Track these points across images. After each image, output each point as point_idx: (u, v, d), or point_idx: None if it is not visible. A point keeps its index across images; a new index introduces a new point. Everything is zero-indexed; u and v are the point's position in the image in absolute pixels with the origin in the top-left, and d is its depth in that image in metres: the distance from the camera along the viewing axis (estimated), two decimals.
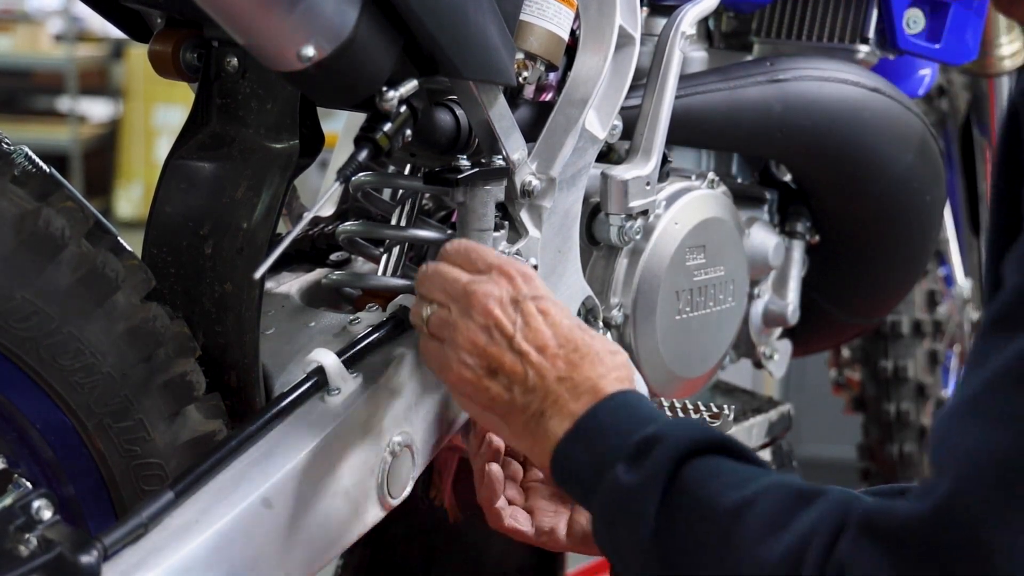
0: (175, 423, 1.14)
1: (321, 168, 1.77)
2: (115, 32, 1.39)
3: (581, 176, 1.32)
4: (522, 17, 1.24)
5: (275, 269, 1.40)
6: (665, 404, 1.37)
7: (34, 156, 1.16)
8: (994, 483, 0.73)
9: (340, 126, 1.64)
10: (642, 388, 1.17)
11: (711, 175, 1.51)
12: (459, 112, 1.23)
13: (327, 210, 1.47)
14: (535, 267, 1.28)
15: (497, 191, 1.24)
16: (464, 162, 1.23)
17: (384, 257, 1.35)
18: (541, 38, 1.26)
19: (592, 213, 1.40)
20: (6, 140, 1.15)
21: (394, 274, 1.34)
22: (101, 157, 6.59)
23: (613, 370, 1.11)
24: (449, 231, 1.29)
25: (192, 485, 1.07)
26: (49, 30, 6.76)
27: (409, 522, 1.67)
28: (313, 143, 1.21)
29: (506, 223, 1.28)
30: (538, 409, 1.10)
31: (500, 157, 1.24)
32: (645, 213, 1.40)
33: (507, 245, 1.27)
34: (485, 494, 1.21)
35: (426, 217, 1.37)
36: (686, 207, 1.46)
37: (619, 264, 1.42)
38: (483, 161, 1.24)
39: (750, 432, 1.66)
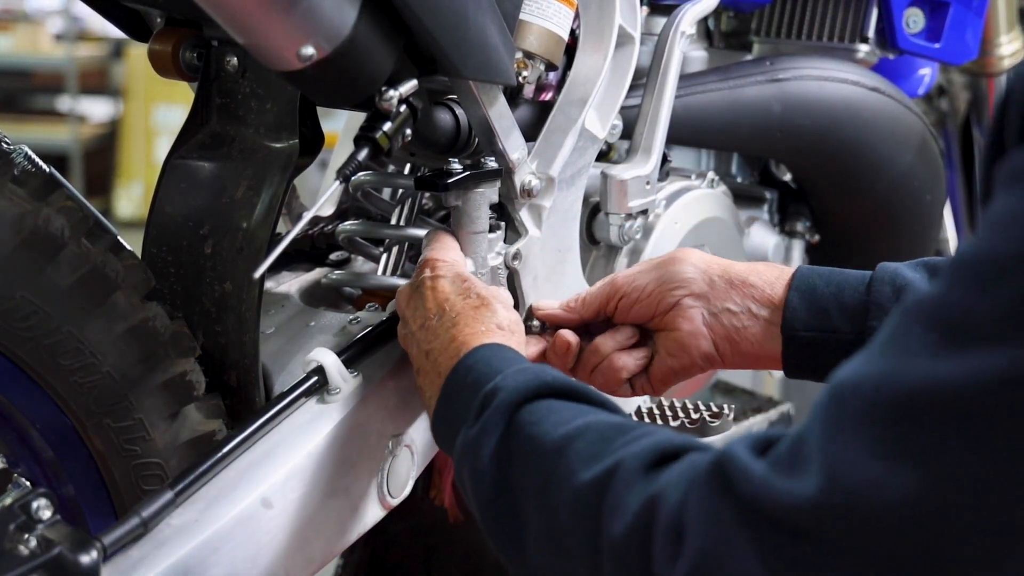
0: (175, 423, 1.14)
1: (321, 168, 1.78)
2: (115, 32, 1.39)
3: (581, 175, 1.32)
4: (522, 16, 1.24)
5: (275, 269, 1.40)
6: (665, 404, 1.37)
7: (34, 156, 1.16)
8: (854, 517, 0.69)
9: (340, 126, 1.64)
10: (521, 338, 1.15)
11: (711, 174, 1.51)
12: (459, 111, 1.23)
13: (327, 210, 1.47)
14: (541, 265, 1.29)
15: (491, 193, 1.24)
16: (456, 165, 1.23)
17: (384, 256, 1.35)
18: (541, 37, 1.26)
19: (592, 212, 1.40)
20: (6, 140, 1.15)
21: (394, 273, 1.34)
22: (101, 157, 6.59)
23: (476, 324, 1.10)
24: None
25: (192, 485, 1.07)
26: (49, 30, 6.76)
27: (409, 522, 1.67)
28: (313, 143, 1.21)
29: (502, 224, 1.28)
30: (427, 392, 1.10)
31: (494, 158, 1.24)
32: (645, 212, 1.40)
33: (504, 246, 1.27)
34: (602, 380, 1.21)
35: (426, 216, 1.37)
36: (686, 207, 1.46)
37: (619, 263, 1.42)
38: (474, 164, 1.24)
39: (750, 432, 1.66)
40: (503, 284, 1.27)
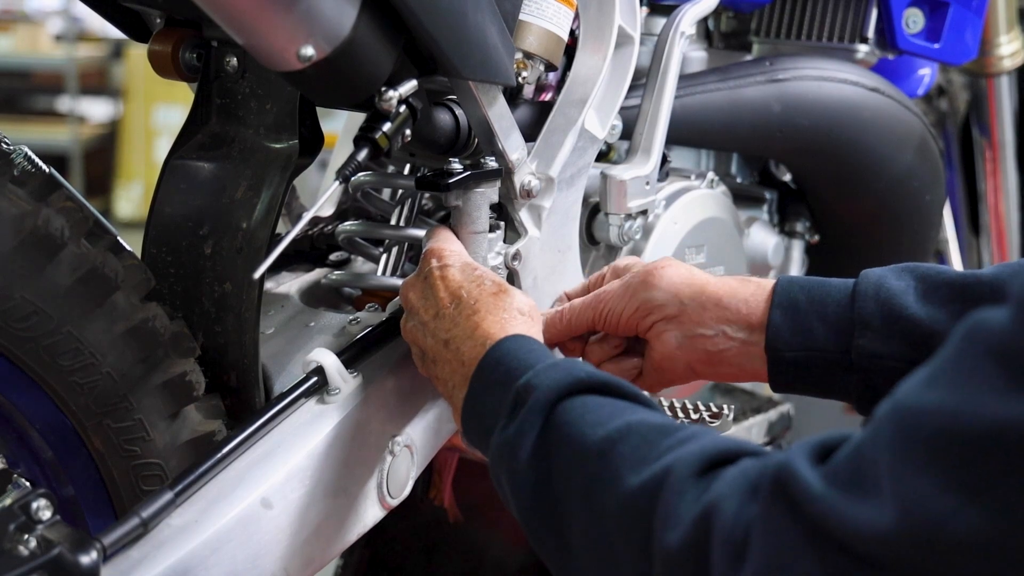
0: (174, 423, 1.14)
1: (321, 168, 1.78)
2: (115, 32, 1.39)
3: (580, 176, 1.32)
4: (521, 17, 1.24)
5: (275, 269, 1.40)
6: (665, 404, 1.37)
7: (34, 156, 1.16)
8: (927, 551, 0.70)
9: (340, 126, 1.64)
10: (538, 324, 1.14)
11: (710, 175, 1.51)
12: (458, 112, 1.23)
13: (327, 210, 1.47)
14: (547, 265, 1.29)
15: (491, 193, 1.24)
16: (456, 165, 1.23)
17: (384, 257, 1.35)
18: (540, 38, 1.26)
19: (592, 213, 1.40)
20: (6, 140, 1.15)
21: (393, 274, 1.34)
22: (101, 157, 6.59)
23: (497, 311, 1.09)
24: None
25: (191, 485, 1.07)
26: (49, 30, 6.76)
27: (409, 522, 1.67)
28: (313, 143, 1.21)
29: (502, 224, 1.28)
30: (449, 381, 1.10)
31: (494, 158, 1.24)
32: (644, 213, 1.40)
33: (503, 246, 1.27)
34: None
35: (425, 217, 1.37)
36: (685, 207, 1.46)
37: None
38: (474, 164, 1.24)
39: (750, 432, 1.66)
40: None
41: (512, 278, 1.28)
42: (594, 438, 0.92)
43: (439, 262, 1.16)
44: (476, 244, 1.24)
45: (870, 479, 0.73)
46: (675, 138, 1.45)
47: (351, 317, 1.29)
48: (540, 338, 1.10)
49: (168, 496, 1.05)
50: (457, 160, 1.23)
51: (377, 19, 1.05)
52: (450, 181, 1.20)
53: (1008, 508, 0.68)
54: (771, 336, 1.11)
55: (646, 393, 1.01)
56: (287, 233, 1.04)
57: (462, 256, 1.18)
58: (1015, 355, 0.69)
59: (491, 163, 1.25)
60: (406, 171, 1.40)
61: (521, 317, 1.10)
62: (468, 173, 1.22)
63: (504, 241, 1.28)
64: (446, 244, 1.19)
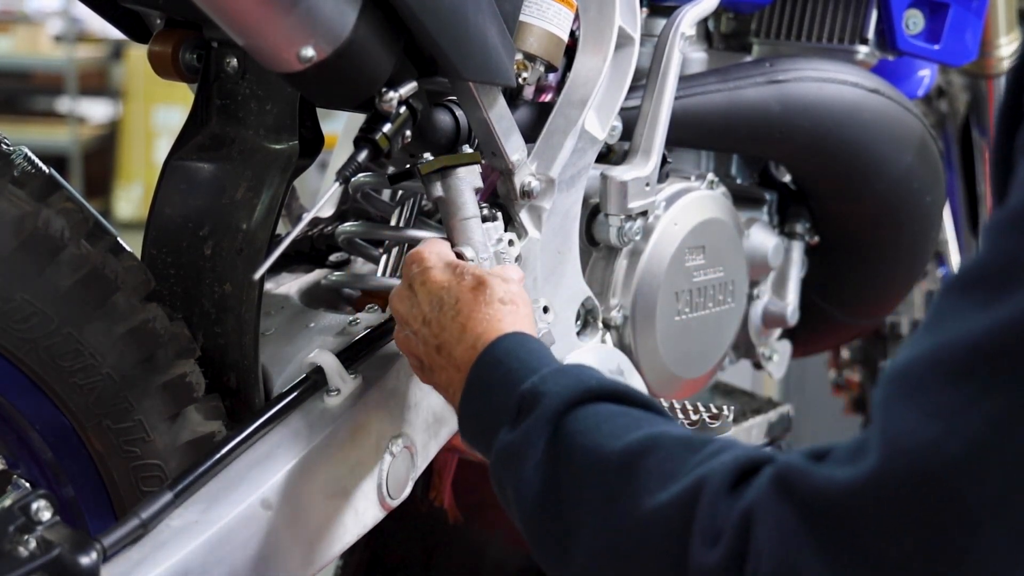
0: (174, 424, 1.14)
1: (321, 169, 1.78)
2: (115, 33, 1.39)
3: (580, 177, 1.32)
4: (522, 18, 1.24)
5: (275, 270, 1.40)
6: (665, 405, 1.37)
7: (34, 157, 1.16)
8: (916, 478, 0.70)
9: (340, 127, 1.64)
10: (528, 316, 1.12)
11: (710, 176, 1.51)
12: (459, 113, 1.23)
13: (327, 211, 1.47)
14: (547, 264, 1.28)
15: (472, 179, 1.20)
16: (428, 156, 1.21)
17: (383, 258, 1.35)
18: (541, 39, 1.26)
19: (592, 214, 1.40)
20: (6, 141, 1.15)
21: (393, 274, 1.34)
22: (101, 158, 6.59)
23: (481, 307, 1.08)
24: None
25: (191, 486, 1.07)
26: (49, 31, 6.76)
27: (409, 522, 1.67)
28: (313, 144, 1.21)
29: (498, 213, 1.25)
30: (449, 388, 1.09)
31: (467, 145, 1.22)
32: (644, 214, 1.40)
33: (505, 234, 1.24)
34: None
35: (425, 218, 1.37)
36: (685, 208, 1.46)
37: (619, 265, 1.42)
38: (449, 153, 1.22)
39: (750, 433, 1.66)
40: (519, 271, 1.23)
41: None
42: (613, 449, 0.91)
43: (419, 266, 1.14)
44: (469, 230, 1.20)
45: (865, 447, 0.74)
46: (675, 139, 1.45)
47: (351, 318, 1.28)
48: (529, 325, 1.09)
49: (168, 497, 1.05)
50: (429, 153, 1.21)
51: (377, 20, 1.05)
52: (419, 163, 1.16)
53: (996, 420, 0.68)
54: None
55: (659, 400, 1.00)
56: (287, 234, 1.04)
57: (443, 256, 1.15)
58: (988, 273, 0.71)
59: (466, 148, 1.22)
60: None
61: (504, 307, 1.08)
62: (433, 159, 1.17)
63: (506, 230, 1.26)
64: (425, 247, 1.16)
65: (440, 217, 1.37)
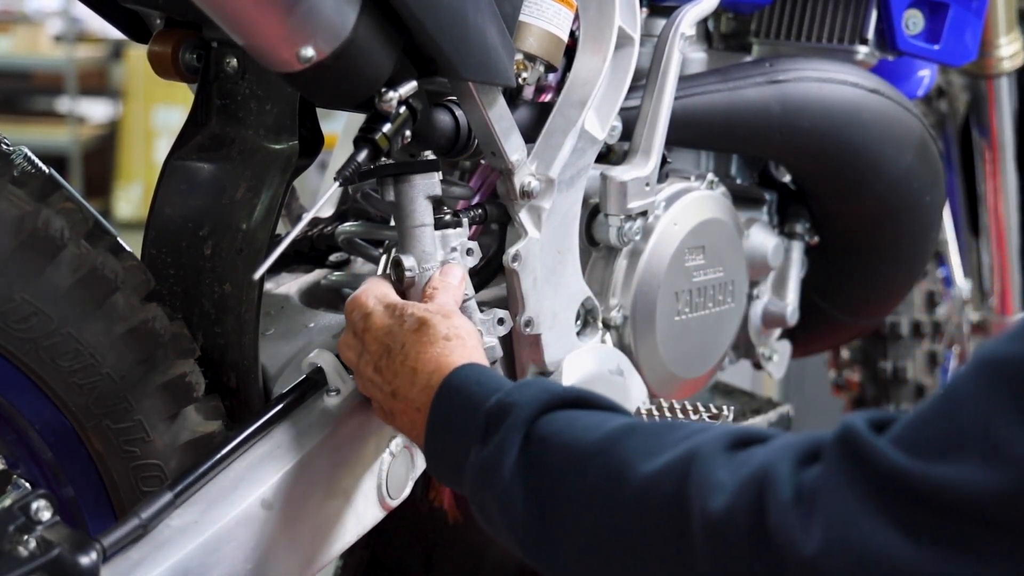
0: (174, 424, 1.14)
1: (321, 169, 1.78)
2: (115, 33, 1.39)
3: (580, 177, 1.32)
4: (521, 18, 1.24)
5: (274, 270, 1.40)
6: (664, 405, 1.37)
7: (34, 157, 1.16)
8: None
9: (340, 127, 1.64)
10: (473, 339, 1.12)
11: (710, 176, 1.51)
12: (458, 113, 1.23)
13: (326, 211, 1.48)
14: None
15: (428, 185, 1.18)
16: (428, 155, 1.20)
17: (383, 258, 1.35)
18: (540, 39, 1.26)
19: (591, 214, 1.40)
20: (6, 141, 1.15)
21: None
22: (101, 158, 6.59)
23: (428, 347, 1.07)
24: None
25: (191, 486, 1.07)
26: (49, 31, 6.75)
27: (409, 522, 1.67)
28: (312, 144, 1.21)
29: (463, 220, 1.23)
30: (412, 431, 1.09)
31: (431, 152, 1.21)
32: (644, 214, 1.40)
33: (464, 242, 1.23)
34: None
35: None
36: (685, 208, 1.46)
37: (618, 265, 1.42)
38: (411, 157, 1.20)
39: None
40: (462, 268, 1.22)
41: (512, 279, 1.28)
42: (591, 439, 0.91)
43: (360, 312, 1.13)
44: (416, 239, 1.19)
45: (945, 437, 0.73)
46: (675, 139, 1.45)
47: None
48: (478, 355, 1.08)
49: (168, 497, 1.05)
50: (388, 158, 1.20)
51: (377, 20, 1.05)
52: (354, 172, 1.10)
53: None
54: None
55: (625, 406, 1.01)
56: (287, 234, 1.04)
57: (383, 298, 1.14)
58: None
59: (427, 155, 1.20)
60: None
61: (451, 343, 1.08)
62: (370, 167, 1.14)
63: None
64: (364, 291, 1.15)
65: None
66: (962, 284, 2.38)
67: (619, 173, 1.37)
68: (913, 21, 1.61)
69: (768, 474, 0.79)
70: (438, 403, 1.04)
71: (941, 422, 0.75)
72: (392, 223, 1.36)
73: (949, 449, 0.73)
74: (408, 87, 1.11)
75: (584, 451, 0.91)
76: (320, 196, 1.13)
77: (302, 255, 1.44)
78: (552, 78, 1.34)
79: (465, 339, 1.10)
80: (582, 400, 0.98)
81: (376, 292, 1.15)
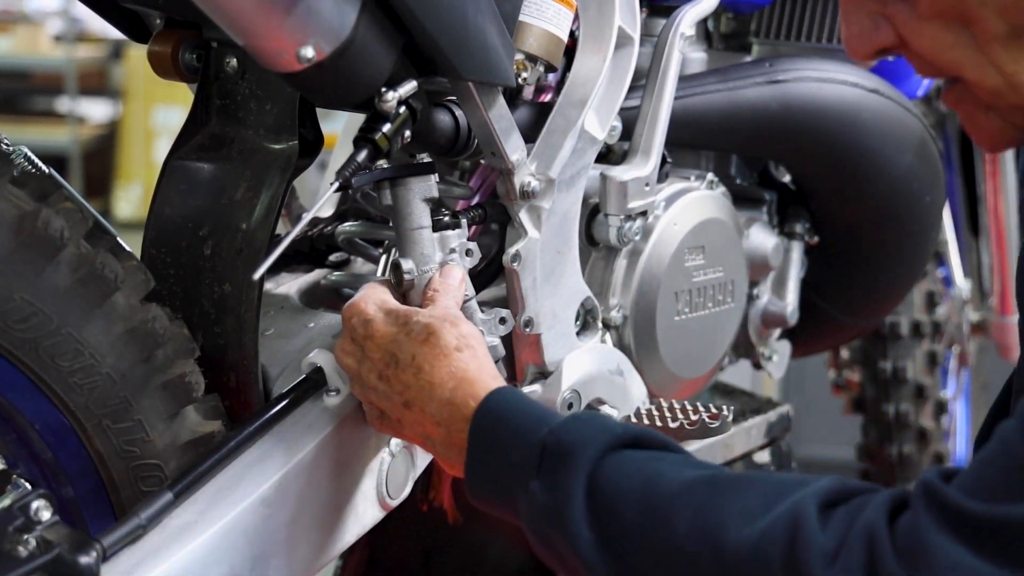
0: (174, 424, 1.14)
1: (320, 169, 1.78)
2: (114, 33, 1.39)
3: (580, 177, 1.32)
4: (521, 18, 1.24)
5: (274, 270, 1.40)
6: (664, 405, 1.37)
7: (33, 157, 1.16)
8: None
9: (340, 127, 1.64)
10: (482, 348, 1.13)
11: (710, 176, 1.51)
12: (458, 113, 1.23)
13: (326, 211, 1.48)
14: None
15: (424, 188, 1.18)
16: (425, 157, 1.20)
17: (383, 258, 1.35)
18: (540, 39, 1.26)
19: (591, 214, 1.40)
20: (5, 141, 1.15)
21: None
22: (100, 158, 6.59)
23: (441, 360, 1.08)
24: None
25: (191, 486, 1.07)
26: (48, 31, 6.76)
27: (409, 522, 1.67)
28: (312, 144, 1.21)
29: (463, 219, 1.23)
30: (428, 440, 1.10)
31: (427, 155, 1.21)
32: (644, 214, 1.40)
33: (463, 243, 1.22)
34: None
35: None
36: (685, 208, 1.46)
37: (618, 265, 1.42)
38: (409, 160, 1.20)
39: (749, 433, 1.67)
40: (461, 269, 1.22)
41: (512, 279, 1.28)
42: (667, 491, 0.94)
43: (360, 318, 1.13)
44: (414, 241, 1.19)
45: (1005, 482, 0.83)
46: (675, 139, 1.45)
47: None
48: (489, 363, 1.10)
49: (168, 497, 1.05)
50: (386, 161, 1.20)
51: (377, 20, 1.05)
52: (353, 177, 1.11)
53: None
54: None
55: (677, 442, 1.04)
56: (287, 234, 1.04)
57: (383, 304, 1.14)
58: None
59: (424, 158, 1.20)
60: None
61: (463, 354, 1.09)
62: (369, 171, 1.15)
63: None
64: (362, 297, 1.15)
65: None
66: (962, 284, 2.38)
67: (619, 173, 1.37)
68: None
69: (871, 533, 0.86)
70: (480, 428, 1.05)
71: (996, 470, 0.84)
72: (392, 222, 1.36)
73: (1008, 489, 0.83)
74: (408, 87, 1.11)
75: (663, 505, 0.94)
76: (320, 196, 1.13)
77: (302, 255, 1.44)
78: (552, 78, 1.34)
79: (475, 348, 1.11)
80: (640, 440, 1.00)
81: (375, 298, 1.15)
